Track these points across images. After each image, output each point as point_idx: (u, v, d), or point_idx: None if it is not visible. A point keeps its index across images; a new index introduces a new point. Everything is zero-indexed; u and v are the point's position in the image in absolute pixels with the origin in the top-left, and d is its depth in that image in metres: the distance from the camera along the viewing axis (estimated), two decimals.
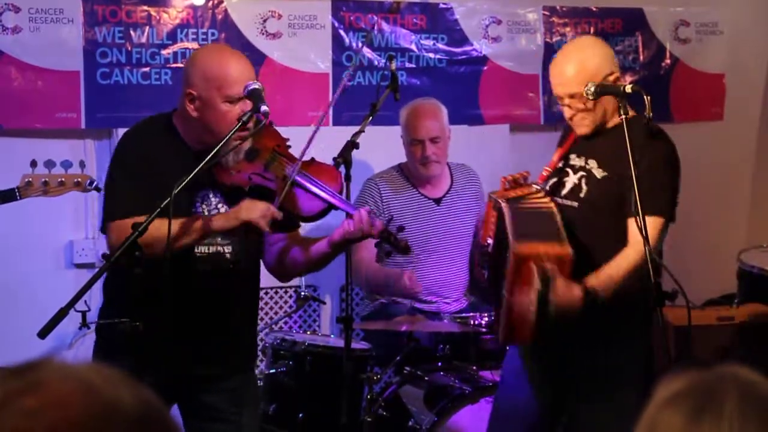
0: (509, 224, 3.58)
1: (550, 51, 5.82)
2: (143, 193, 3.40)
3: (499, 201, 3.70)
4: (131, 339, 3.34)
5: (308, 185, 3.55)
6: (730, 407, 1.26)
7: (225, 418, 3.64)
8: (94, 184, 4.09)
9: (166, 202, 3.17)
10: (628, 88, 3.57)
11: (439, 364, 4.64)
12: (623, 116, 3.52)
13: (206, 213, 3.54)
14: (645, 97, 3.49)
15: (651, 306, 3.49)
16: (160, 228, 3.23)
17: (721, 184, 6.29)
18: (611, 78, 3.68)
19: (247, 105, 3.42)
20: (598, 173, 3.70)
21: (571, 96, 3.66)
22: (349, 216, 3.51)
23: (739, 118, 6.44)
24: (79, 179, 4.09)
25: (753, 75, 6.48)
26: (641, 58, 6.15)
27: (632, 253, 3.55)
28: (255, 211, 3.37)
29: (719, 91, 6.38)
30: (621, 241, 3.61)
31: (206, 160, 3.30)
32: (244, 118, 3.35)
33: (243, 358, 3.75)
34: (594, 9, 5.99)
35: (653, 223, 3.56)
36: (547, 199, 3.70)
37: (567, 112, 3.74)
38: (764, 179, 5.70)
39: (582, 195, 3.71)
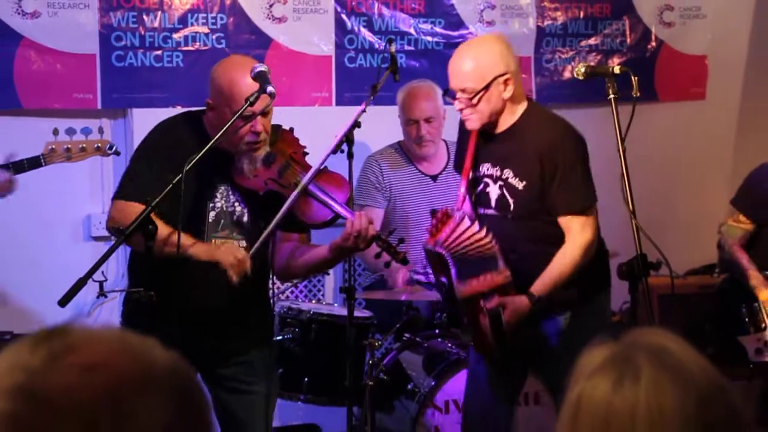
0: (452, 267, 3.62)
1: (542, 34, 5.87)
2: (155, 181, 3.45)
3: (437, 250, 3.67)
4: (146, 308, 3.41)
5: (319, 194, 3.59)
6: (646, 372, 1.29)
7: (243, 389, 3.70)
8: (114, 149, 4.12)
9: (177, 178, 3.26)
10: (617, 69, 3.62)
11: (437, 331, 4.69)
12: (612, 96, 3.56)
13: (224, 208, 3.65)
14: (632, 77, 3.55)
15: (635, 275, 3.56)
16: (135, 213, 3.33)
17: (703, 160, 6.32)
18: (502, 79, 3.67)
19: (256, 122, 3.50)
20: (518, 183, 3.70)
21: (462, 90, 3.68)
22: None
23: (720, 98, 6.45)
24: (99, 144, 4.09)
25: (733, 57, 6.47)
26: (628, 40, 6.15)
27: (569, 251, 3.63)
28: (231, 258, 3.44)
29: (701, 72, 6.38)
30: (553, 241, 3.67)
31: (211, 142, 3.39)
32: (251, 99, 3.41)
33: (257, 333, 3.79)
34: None
35: (587, 221, 3.64)
36: (481, 235, 3.64)
37: (457, 105, 3.75)
38: (744, 155, 5.71)
39: (511, 208, 3.72)
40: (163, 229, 3.31)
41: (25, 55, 5.05)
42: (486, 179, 3.78)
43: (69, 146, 4.08)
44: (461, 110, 3.74)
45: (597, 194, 3.77)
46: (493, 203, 3.76)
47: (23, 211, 5.05)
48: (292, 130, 3.76)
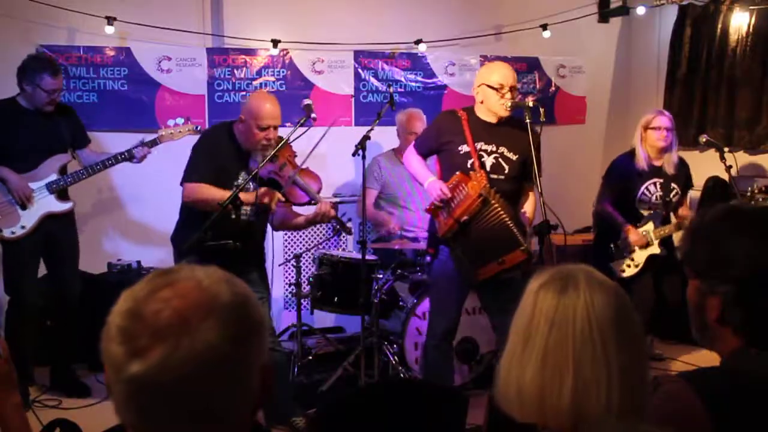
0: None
1: None
2: (207, 168, 3.47)
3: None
4: (201, 247, 3.34)
5: (301, 184, 3.55)
6: (582, 283, 1.25)
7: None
8: (198, 128, 4.07)
9: (245, 183, 3.41)
10: (531, 103, 3.50)
11: (418, 268, 4.61)
12: (528, 120, 3.42)
13: (242, 186, 3.52)
14: (541, 108, 3.44)
15: (542, 233, 3.41)
16: (214, 195, 3.40)
17: (584, 160, 6.24)
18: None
19: (269, 132, 3.44)
20: (512, 155, 3.54)
21: (515, 88, 3.55)
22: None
23: (594, 122, 6.38)
24: (190, 127, 4.03)
25: (601, 97, 6.40)
26: (537, 86, 6.03)
27: (534, 200, 3.54)
28: (270, 196, 3.48)
29: (582, 107, 6.30)
30: (522, 194, 3.58)
31: (258, 168, 3.39)
32: (301, 121, 3.35)
33: (257, 262, 3.71)
34: (509, 57, 5.86)
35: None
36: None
37: (508, 97, 3.51)
38: (607, 156, 5.63)
39: (506, 171, 3.53)
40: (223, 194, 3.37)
41: (162, 96, 5.02)
42: (482, 152, 3.52)
43: (172, 131, 4.03)
44: (511, 99, 3.48)
45: None
46: (488, 168, 3.51)
47: (146, 190, 5.00)
48: (288, 141, 3.56)
